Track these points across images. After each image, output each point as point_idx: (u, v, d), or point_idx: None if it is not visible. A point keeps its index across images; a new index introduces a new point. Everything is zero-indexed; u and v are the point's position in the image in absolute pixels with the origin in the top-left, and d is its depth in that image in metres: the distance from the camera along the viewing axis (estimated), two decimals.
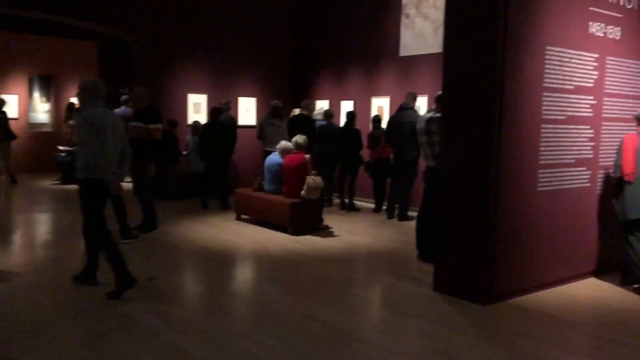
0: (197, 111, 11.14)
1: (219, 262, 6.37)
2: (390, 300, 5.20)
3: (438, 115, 6.02)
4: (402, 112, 8.38)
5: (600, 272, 5.93)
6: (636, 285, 5.43)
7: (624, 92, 5.92)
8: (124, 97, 10.95)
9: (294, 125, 9.22)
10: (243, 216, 8.66)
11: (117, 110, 9.58)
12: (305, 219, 7.82)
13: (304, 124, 9.15)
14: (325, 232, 7.93)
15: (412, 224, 7.07)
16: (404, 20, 10.13)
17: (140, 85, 8.54)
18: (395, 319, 4.66)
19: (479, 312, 4.75)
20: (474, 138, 4.93)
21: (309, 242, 7.30)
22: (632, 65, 5.96)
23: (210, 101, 11.14)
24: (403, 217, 8.79)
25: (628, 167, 5.47)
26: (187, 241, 7.24)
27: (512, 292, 5.10)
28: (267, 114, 9.97)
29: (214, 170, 9.66)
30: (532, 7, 4.91)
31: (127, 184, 7.36)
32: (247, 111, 11.78)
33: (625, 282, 5.60)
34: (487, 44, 4.79)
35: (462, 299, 5.01)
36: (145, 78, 10.39)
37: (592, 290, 5.47)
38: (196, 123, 10.60)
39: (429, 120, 6.27)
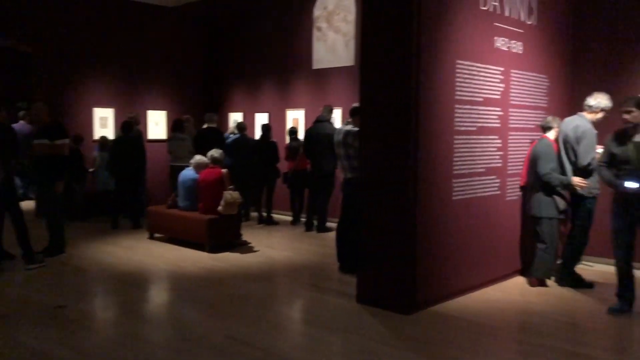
0: (103, 126, 10.62)
1: (132, 285, 6.05)
2: (314, 315, 5.14)
3: (356, 129, 6.09)
4: (319, 124, 8.40)
5: (523, 272, 6.28)
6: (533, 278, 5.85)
7: (526, 103, 6.24)
8: (21, 113, 10.25)
9: (200, 139, 9.00)
10: (156, 235, 8.32)
11: (15, 126, 8.96)
12: (223, 236, 7.63)
13: (211, 137, 8.95)
14: (244, 248, 7.76)
15: (332, 235, 7.08)
16: (316, 34, 10.20)
17: (38, 101, 8.02)
18: (320, 334, 4.60)
19: (403, 322, 4.79)
20: (392, 150, 5.00)
21: (227, 259, 7.11)
22: (533, 78, 6.31)
23: (117, 115, 10.66)
24: (322, 229, 8.79)
25: (524, 173, 5.88)
26: (98, 264, 6.83)
27: (434, 300, 5.20)
28: (171, 128, 9.75)
29: (125, 188, 9.23)
30: (443, 23, 5.06)
31: (28, 203, 6.87)
32: (156, 124, 11.39)
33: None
34: (401, 58, 4.88)
35: (386, 310, 5.04)
36: (46, 91, 9.79)
37: (511, 292, 5.69)
38: (103, 138, 10.08)
39: (346, 133, 6.31)
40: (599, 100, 5.66)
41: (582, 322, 4.89)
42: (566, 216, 5.87)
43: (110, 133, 10.45)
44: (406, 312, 4.95)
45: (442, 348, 4.26)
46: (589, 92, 5.87)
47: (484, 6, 5.52)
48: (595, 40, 6.90)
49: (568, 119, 5.83)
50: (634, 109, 4.79)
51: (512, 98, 6.00)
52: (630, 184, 4.77)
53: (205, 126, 9.28)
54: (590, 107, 5.69)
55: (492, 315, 5.02)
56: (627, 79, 6.66)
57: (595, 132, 5.60)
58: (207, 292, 5.78)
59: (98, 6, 10.57)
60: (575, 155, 5.61)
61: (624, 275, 5.03)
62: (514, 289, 5.85)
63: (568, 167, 5.68)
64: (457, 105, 5.26)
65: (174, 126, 9.65)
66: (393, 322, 4.80)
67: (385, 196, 5.07)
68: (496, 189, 5.88)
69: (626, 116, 4.83)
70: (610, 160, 5.01)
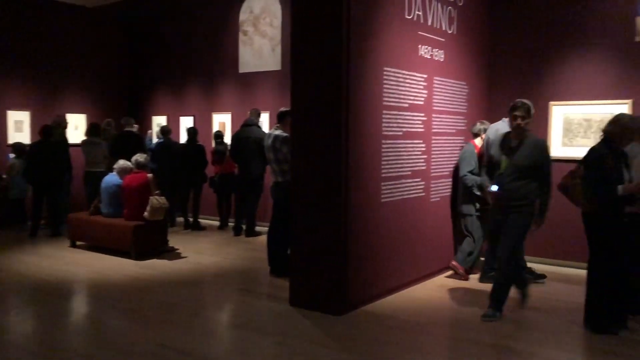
0: (19, 130, 10.10)
1: (54, 295, 5.80)
2: (246, 320, 5.13)
3: (284, 134, 6.17)
4: (246, 128, 8.38)
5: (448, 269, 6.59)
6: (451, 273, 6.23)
7: (448, 109, 6.53)
8: None
9: (118, 143, 8.75)
10: (79, 243, 8.01)
11: None
12: (149, 242, 7.45)
13: (129, 141, 8.72)
14: (172, 254, 7.62)
15: (261, 239, 7.09)
16: (242, 38, 10.18)
17: None
18: (253, 338, 4.61)
19: (336, 323, 4.89)
20: (322, 154, 5.09)
21: (155, 267, 6.96)
22: (455, 85, 6.61)
23: (34, 119, 10.17)
24: (250, 233, 8.77)
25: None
26: (16, 274, 6.50)
27: (365, 300, 5.34)
28: (85, 132, 9.42)
29: (43, 195, 8.80)
30: (371, 31, 5.21)
31: None
32: (76, 128, 10.93)
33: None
34: (331, 65, 4.98)
35: (319, 312, 5.12)
36: None
37: (439, 290, 5.92)
38: (19, 144, 9.56)
39: (275, 138, 6.35)
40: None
41: (505, 315, 5.16)
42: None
43: (26, 138, 9.94)
44: (338, 313, 5.05)
45: (374, 347, 4.39)
46: (506, 98, 6.20)
47: (409, 15, 5.73)
48: (511, 49, 7.33)
49: (493, 125, 6.16)
50: (525, 115, 4.82)
51: (435, 104, 6.26)
52: (493, 187, 4.96)
53: (123, 130, 9.03)
54: None
55: (422, 312, 5.21)
56: (539, 86, 7.11)
57: None
58: (135, 301, 5.64)
59: (11, 4, 10.04)
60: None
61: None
62: (441, 287, 6.10)
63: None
64: (384, 111, 5.43)
65: (90, 130, 9.32)
66: (326, 323, 4.88)
67: (316, 199, 5.16)
68: (421, 191, 6.11)
69: (519, 121, 4.84)
70: (489, 162, 5.22)
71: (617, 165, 4.50)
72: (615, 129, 4.51)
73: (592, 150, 4.64)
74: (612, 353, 4.27)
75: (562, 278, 6.45)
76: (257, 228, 8.79)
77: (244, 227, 8.88)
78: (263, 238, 6.71)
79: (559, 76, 7.01)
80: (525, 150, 4.84)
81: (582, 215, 4.73)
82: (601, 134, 4.65)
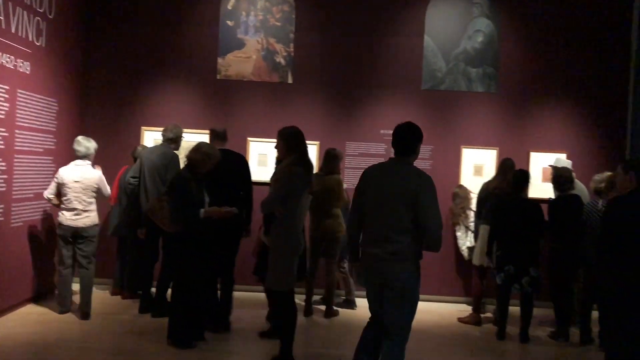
0: None
1: None
2: None
3: None
4: None
5: (36, 299, 6.08)
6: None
7: (34, 126, 6.04)
8: None
9: None
10: None
11: None
12: None
13: None
14: None
15: None
16: None
17: None
18: None
19: None
20: None
21: None
22: (42, 100, 6.17)
23: None
24: None
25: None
26: None
27: None
28: None
29: None
30: None
31: None
32: None
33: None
34: None
35: None
36: None
37: (27, 321, 5.31)
38: None
39: None
40: (175, 131, 6.04)
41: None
42: None
43: None
44: None
45: None
46: (99, 120, 6.07)
47: None
48: (107, 70, 7.30)
49: (152, 147, 6.19)
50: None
51: (18, 119, 5.71)
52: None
53: None
54: (170, 139, 6.01)
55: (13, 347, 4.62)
56: (132, 109, 7.28)
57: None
58: None
59: None
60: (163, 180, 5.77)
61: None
62: (29, 318, 5.54)
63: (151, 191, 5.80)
64: None
65: None
66: None
67: None
68: (0, 215, 5.47)
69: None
70: None
71: (199, 190, 4.93)
72: (197, 156, 4.94)
73: (177, 175, 4.97)
74: None
75: None
76: None
77: None
78: None
79: (150, 102, 7.32)
80: None
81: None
82: (185, 160, 5.03)
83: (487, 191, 6.15)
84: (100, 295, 6.45)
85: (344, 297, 6.66)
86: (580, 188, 6.20)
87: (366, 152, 7.26)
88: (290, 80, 7.36)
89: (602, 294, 4.37)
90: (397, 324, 3.66)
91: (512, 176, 5.78)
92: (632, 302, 3.85)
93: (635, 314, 3.84)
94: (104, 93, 7.30)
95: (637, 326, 3.84)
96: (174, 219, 4.83)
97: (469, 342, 5.58)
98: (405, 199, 3.56)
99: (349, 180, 6.92)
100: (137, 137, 7.19)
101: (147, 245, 5.95)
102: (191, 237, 4.86)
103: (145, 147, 6.57)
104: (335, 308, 6.25)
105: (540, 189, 6.91)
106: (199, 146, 5.00)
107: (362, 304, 6.61)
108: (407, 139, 3.72)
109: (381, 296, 3.68)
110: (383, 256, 3.61)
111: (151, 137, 7.13)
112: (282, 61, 7.36)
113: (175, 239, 4.88)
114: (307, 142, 4.63)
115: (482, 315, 6.27)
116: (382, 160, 7.07)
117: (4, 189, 5.51)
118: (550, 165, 6.42)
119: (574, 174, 5.93)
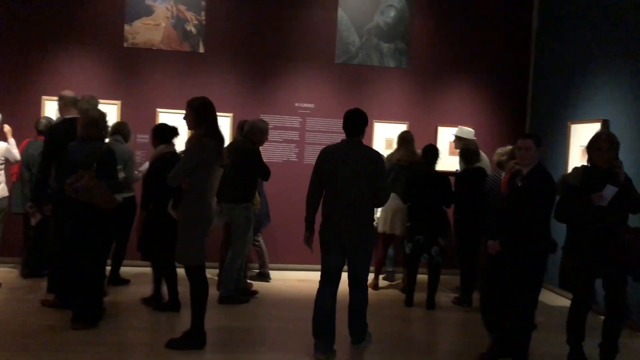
0: None
1: None
2: None
3: None
4: None
5: None
6: None
7: None
8: None
9: None
10: None
11: None
12: None
13: None
14: None
15: None
16: None
17: None
18: None
19: None
20: None
21: None
22: None
23: None
24: None
25: None
26: None
27: None
28: None
29: None
30: None
31: None
32: None
33: None
34: None
35: None
36: None
37: None
38: None
39: None
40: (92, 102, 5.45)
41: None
42: None
43: None
44: None
45: None
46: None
47: None
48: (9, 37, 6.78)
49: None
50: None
51: None
52: None
53: None
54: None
55: None
56: (31, 78, 6.83)
57: None
58: None
59: None
60: None
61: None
62: None
63: None
64: None
65: None
66: None
67: None
68: None
69: None
70: None
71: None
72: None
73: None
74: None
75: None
76: None
77: None
78: None
79: (52, 70, 6.88)
80: None
81: None
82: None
83: (390, 162, 6.34)
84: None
85: (257, 270, 6.65)
86: (485, 160, 6.49)
87: (281, 124, 7.16)
88: (201, 50, 7.15)
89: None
90: (366, 277, 4.50)
91: (423, 151, 5.98)
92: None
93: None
94: (1, 61, 6.79)
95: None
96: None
97: (378, 309, 5.73)
98: (368, 170, 4.25)
99: (265, 153, 6.84)
100: (38, 107, 6.75)
101: (54, 223, 5.59)
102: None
103: (51, 119, 6.13)
104: (249, 281, 6.23)
105: (446, 162, 7.16)
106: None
107: (276, 277, 6.73)
108: (357, 123, 4.36)
109: (349, 259, 4.36)
110: (354, 225, 4.24)
111: (53, 108, 6.71)
112: (193, 30, 7.13)
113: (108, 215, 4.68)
114: (220, 114, 4.53)
115: (389, 283, 6.66)
116: (297, 133, 7.07)
117: None
118: (454, 135, 6.68)
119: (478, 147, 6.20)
